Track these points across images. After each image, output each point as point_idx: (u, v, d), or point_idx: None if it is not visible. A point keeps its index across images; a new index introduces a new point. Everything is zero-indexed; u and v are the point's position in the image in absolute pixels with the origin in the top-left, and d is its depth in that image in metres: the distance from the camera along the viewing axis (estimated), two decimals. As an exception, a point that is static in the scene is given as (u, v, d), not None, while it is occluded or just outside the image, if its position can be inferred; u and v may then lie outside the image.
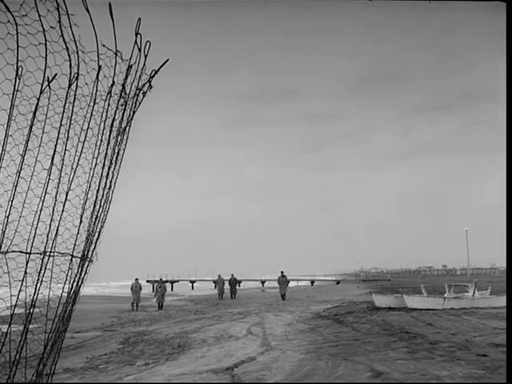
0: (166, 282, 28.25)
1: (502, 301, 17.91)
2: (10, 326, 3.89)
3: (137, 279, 26.47)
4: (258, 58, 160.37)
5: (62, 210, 4.13)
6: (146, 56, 4.34)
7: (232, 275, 33.82)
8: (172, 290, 62.06)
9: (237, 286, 35.64)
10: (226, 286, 33.73)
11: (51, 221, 4.06)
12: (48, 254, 4.06)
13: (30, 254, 3.96)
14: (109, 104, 4.38)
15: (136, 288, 25.71)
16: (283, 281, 29.81)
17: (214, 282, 34.21)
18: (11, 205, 3.89)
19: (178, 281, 68.99)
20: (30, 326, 4.02)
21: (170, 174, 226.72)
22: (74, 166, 4.22)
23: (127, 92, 4.50)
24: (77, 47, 3.88)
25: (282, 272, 30.26)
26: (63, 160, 4.12)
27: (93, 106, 4.26)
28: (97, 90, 4.23)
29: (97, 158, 4.41)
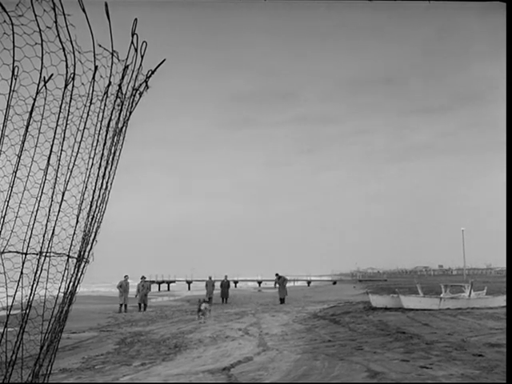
0: (144, 279, 24.97)
1: (498, 301, 17.98)
2: (6, 326, 3.88)
3: (126, 277, 24.55)
4: (256, 59, 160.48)
5: (59, 211, 4.13)
6: (142, 56, 4.34)
7: (225, 277, 31.53)
8: (168, 289, 62.13)
9: (235, 286, 33.91)
10: (217, 289, 30.66)
11: (47, 221, 4.06)
12: (44, 254, 4.05)
13: (26, 254, 3.95)
14: (105, 104, 4.38)
15: (126, 287, 23.98)
16: (281, 281, 27.90)
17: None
18: (7, 205, 3.89)
19: (174, 281, 69.06)
20: (26, 327, 4.01)
21: (168, 174, 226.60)
22: (71, 167, 4.21)
23: (124, 92, 4.50)
24: (73, 47, 3.87)
25: (276, 274, 28.55)
26: (59, 160, 4.12)
27: (89, 107, 4.26)
28: (93, 91, 4.22)
29: (93, 159, 4.40)
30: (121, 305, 23.83)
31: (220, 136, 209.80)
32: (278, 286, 28.46)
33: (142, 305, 24.62)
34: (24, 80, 3.78)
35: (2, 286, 3.89)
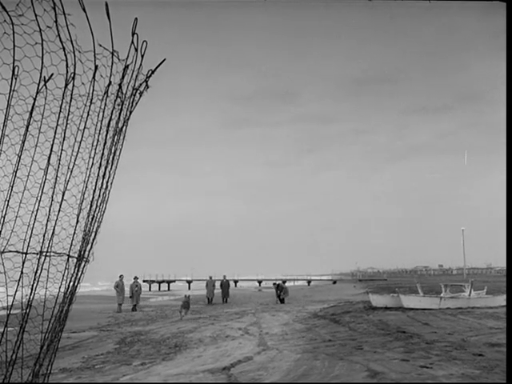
0: (136, 279, 24.70)
1: (498, 300, 18.00)
2: (6, 326, 3.88)
3: (121, 276, 24.41)
4: (256, 59, 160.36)
5: (59, 210, 4.13)
6: (142, 56, 4.34)
7: (224, 276, 31.47)
8: (169, 289, 62.21)
9: (235, 286, 33.98)
10: (218, 289, 30.66)
11: (48, 221, 4.06)
12: (44, 253, 4.05)
13: (26, 253, 3.95)
14: (105, 104, 4.38)
15: (123, 286, 24.04)
16: (280, 288, 28.62)
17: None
18: (8, 205, 3.89)
19: (174, 280, 69.15)
20: (27, 326, 4.02)
21: (168, 174, 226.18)
22: (71, 166, 4.22)
23: (124, 92, 4.50)
24: (73, 47, 3.87)
25: (274, 284, 30.64)
26: (60, 160, 4.12)
27: (89, 106, 4.26)
28: (93, 90, 4.22)
29: (93, 158, 4.40)
30: (119, 304, 23.75)
31: (220, 135, 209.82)
32: (278, 291, 28.90)
33: (137, 305, 24.34)
34: (24, 79, 3.78)
35: (3, 286, 3.89)
